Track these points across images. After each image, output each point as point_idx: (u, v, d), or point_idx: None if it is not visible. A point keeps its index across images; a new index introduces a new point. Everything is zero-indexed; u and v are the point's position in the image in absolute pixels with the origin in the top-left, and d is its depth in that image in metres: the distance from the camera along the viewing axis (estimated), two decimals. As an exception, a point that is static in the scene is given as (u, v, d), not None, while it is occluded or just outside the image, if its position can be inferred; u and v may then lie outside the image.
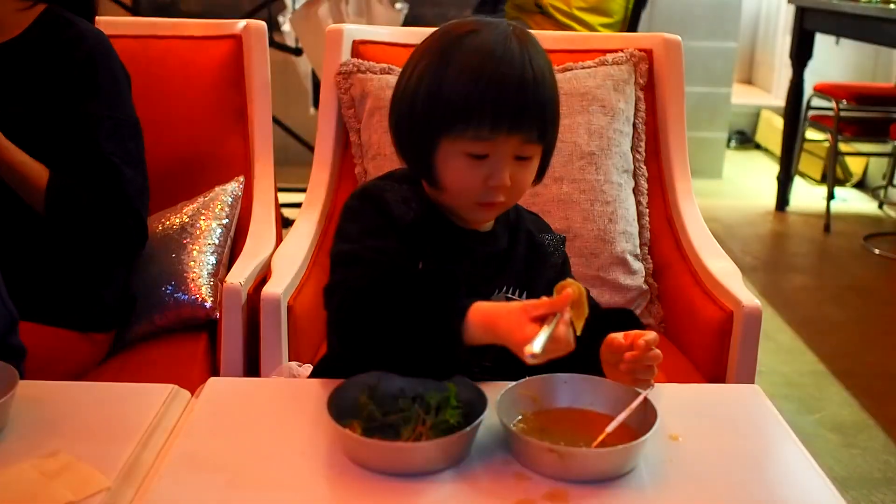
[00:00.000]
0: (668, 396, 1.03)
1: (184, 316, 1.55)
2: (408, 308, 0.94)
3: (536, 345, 0.83)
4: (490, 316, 0.90)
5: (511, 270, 1.12)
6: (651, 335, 0.97)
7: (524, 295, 1.10)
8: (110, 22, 1.77)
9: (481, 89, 0.99)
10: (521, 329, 0.86)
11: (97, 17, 1.56)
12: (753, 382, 1.40)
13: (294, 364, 1.28)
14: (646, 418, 0.91)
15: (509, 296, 1.10)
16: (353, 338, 0.98)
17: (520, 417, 0.94)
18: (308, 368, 1.21)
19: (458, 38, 1.02)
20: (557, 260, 1.17)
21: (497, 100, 0.99)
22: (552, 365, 1.01)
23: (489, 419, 0.90)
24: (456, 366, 0.94)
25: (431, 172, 1.05)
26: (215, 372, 1.49)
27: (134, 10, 4.10)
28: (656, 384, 1.03)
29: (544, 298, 0.89)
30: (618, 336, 0.99)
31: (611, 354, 0.99)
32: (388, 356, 0.96)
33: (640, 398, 0.93)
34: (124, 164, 1.44)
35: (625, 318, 1.08)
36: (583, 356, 1.01)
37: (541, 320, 0.87)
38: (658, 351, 0.97)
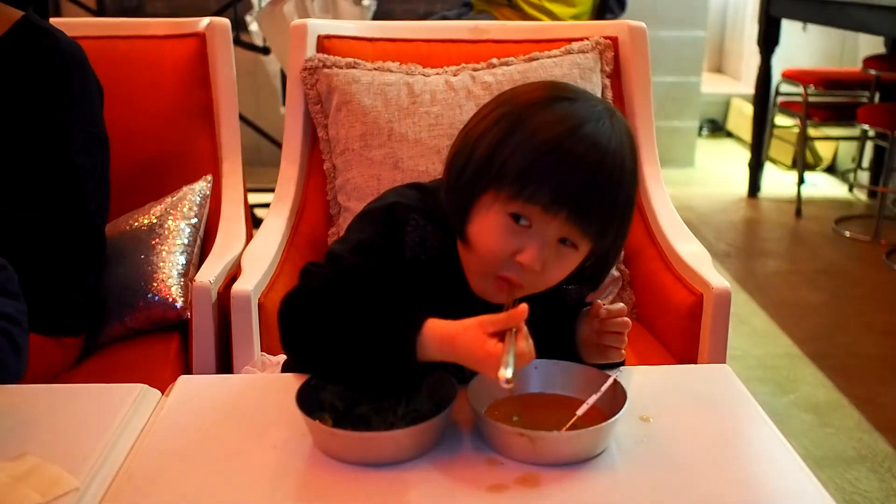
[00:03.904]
0: (639, 378, 1.03)
1: (155, 317, 1.54)
2: (359, 316, 0.89)
3: (509, 371, 0.80)
4: (447, 332, 0.86)
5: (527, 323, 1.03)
6: (618, 306, 1.00)
7: None
8: (72, 23, 1.76)
9: (553, 159, 0.87)
10: (482, 346, 0.84)
11: (58, 19, 1.55)
12: (724, 363, 1.41)
13: (265, 355, 1.27)
14: (616, 401, 0.91)
15: None
16: (295, 339, 0.93)
17: (491, 403, 0.94)
18: (281, 358, 1.20)
19: (543, 103, 0.91)
20: (574, 308, 1.07)
21: (565, 178, 0.87)
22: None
23: (460, 406, 0.91)
24: (408, 381, 0.90)
25: (465, 222, 0.94)
26: (188, 372, 1.48)
27: (98, 14, 4.06)
28: (628, 367, 1.04)
29: (500, 314, 0.85)
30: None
31: (585, 324, 1.02)
32: (333, 364, 0.91)
33: (610, 381, 0.93)
34: (90, 177, 1.43)
35: None
36: (556, 347, 1.01)
37: (499, 335, 0.84)
38: (627, 319, 1.00)
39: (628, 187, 0.92)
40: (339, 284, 0.93)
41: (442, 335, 0.87)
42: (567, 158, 0.87)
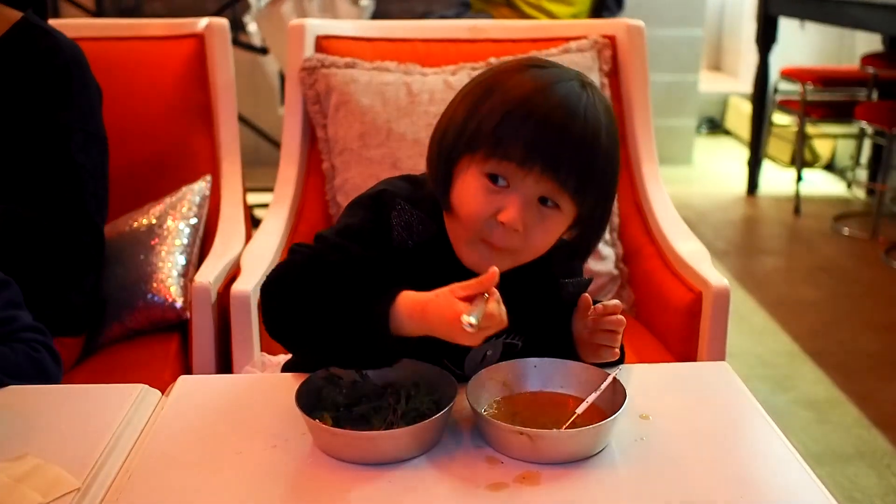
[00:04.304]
0: (638, 376, 1.04)
1: (154, 317, 1.54)
2: (337, 290, 0.89)
3: (473, 316, 0.81)
4: (419, 300, 0.87)
5: (522, 317, 0.99)
6: (613, 302, 0.98)
7: (521, 340, 1.04)
8: (71, 24, 1.76)
9: (523, 114, 0.89)
10: (451, 308, 0.83)
11: (57, 20, 1.55)
12: (724, 361, 1.41)
13: (265, 355, 1.27)
14: (615, 399, 0.91)
15: (508, 342, 1.03)
16: (275, 312, 0.94)
17: (491, 402, 0.94)
18: (281, 358, 1.20)
19: (516, 69, 0.94)
20: (571, 305, 1.05)
21: (537, 129, 0.89)
22: (524, 351, 1.02)
23: (460, 405, 0.91)
24: (383, 353, 0.91)
25: (448, 190, 0.95)
26: (188, 372, 1.49)
27: (97, 15, 4.06)
28: (627, 365, 1.05)
29: (471, 279, 0.85)
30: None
31: (579, 319, 1.01)
32: (310, 337, 0.92)
33: (610, 379, 0.93)
34: (90, 177, 1.43)
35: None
36: (556, 345, 1.01)
37: (469, 300, 0.84)
38: (621, 317, 0.98)
39: (606, 147, 0.92)
40: (321, 261, 0.93)
41: (414, 304, 0.87)
42: (537, 113, 0.89)
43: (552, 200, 0.92)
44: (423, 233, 0.98)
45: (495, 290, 0.85)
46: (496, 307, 0.84)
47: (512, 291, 0.96)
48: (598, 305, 0.99)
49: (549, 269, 1.03)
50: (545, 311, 1.04)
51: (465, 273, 0.92)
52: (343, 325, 0.89)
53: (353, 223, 0.98)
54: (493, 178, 0.91)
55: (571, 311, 1.05)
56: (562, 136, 0.89)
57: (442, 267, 0.96)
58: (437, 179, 0.97)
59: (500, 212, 0.91)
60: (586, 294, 1.01)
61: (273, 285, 0.94)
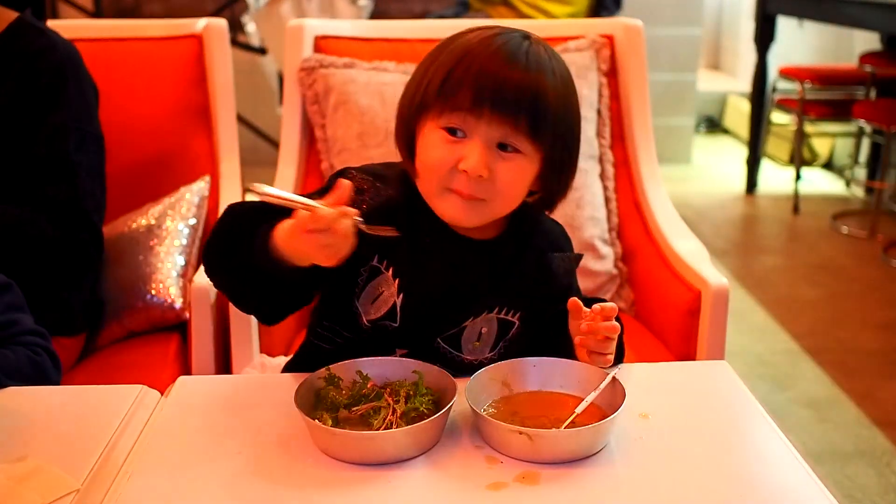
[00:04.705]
0: (637, 375, 1.04)
1: (154, 318, 1.54)
2: (250, 229, 0.93)
3: (268, 188, 0.83)
4: (285, 223, 0.88)
5: (509, 289, 1.03)
6: (609, 305, 0.96)
7: (517, 317, 1.04)
8: (70, 25, 1.76)
9: (467, 63, 0.93)
10: (296, 219, 0.86)
11: (56, 21, 1.55)
12: (723, 360, 1.41)
13: (265, 356, 1.27)
14: (615, 398, 0.91)
15: (502, 317, 1.04)
16: (207, 254, 0.99)
17: (490, 402, 0.94)
18: (280, 360, 1.21)
19: (462, 33, 0.98)
20: (564, 282, 1.07)
21: (480, 73, 0.92)
22: (522, 331, 1.03)
23: (459, 405, 0.91)
24: (279, 277, 0.92)
25: (413, 154, 0.99)
26: (187, 373, 1.49)
27: (96, 15, 4.06)
28: (626, 364, 1.05)
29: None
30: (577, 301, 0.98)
31: (574, 320, 0.99)
32: (229, 272, 0.96)
33: (609, 378, 0.93)
34: (87, 176, 1.43)
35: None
36: (557, 343, 1.01)
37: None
38: (615, 323, 0.96)
39: (555, 87, 0.95)
40: (241, 206, 0.98)
41: (282, 226, 0.88)
42: (478, 60, 0.93)
43: (511, 145, 0.95)
44: (377, 196, 1.00)
45: (348, 209, 0.86)
46: (334, 215, 0.84)
47: (500, 265, 1.01)
48: (596, 306, 0.97)
49: (536, 244, 1.06)
50: (537, 285, 1.05)
51: (454, 241, 1.00)
52: (244, 256, 0.92)
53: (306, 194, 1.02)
54: (451, 131, 0.95)
55: (563, 290, 1.06)
56: (504, 77, 0.92)
57: (406, 227, 0.98)
58: (403, 147, 1.01)
59: (461, 161, 0.94)
60: (575, 299, 0.99)
61: (212, 231, 0.99)
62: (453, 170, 0.95)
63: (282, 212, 0.88)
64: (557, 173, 1.00)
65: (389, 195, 1.01)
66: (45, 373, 1.14)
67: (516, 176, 0.96)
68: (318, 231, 0.84)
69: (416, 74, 0.99)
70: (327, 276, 0.94)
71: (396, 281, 1.01)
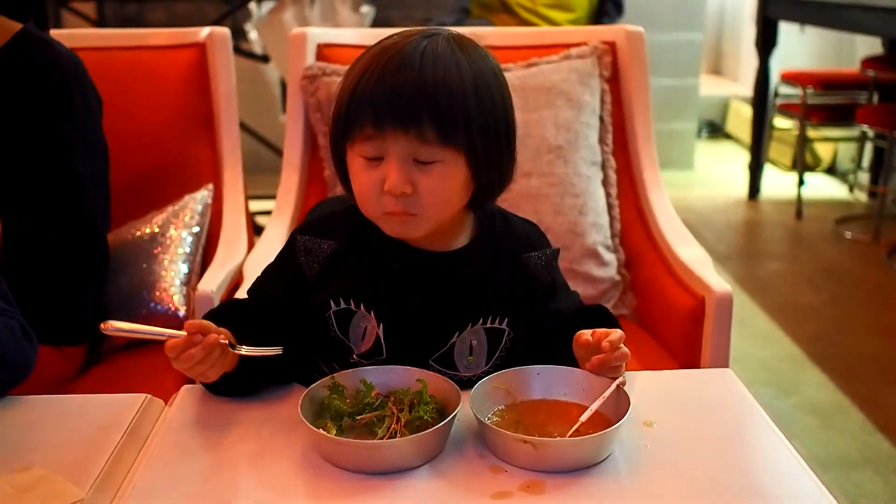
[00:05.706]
0: (642, 383, 1.03)
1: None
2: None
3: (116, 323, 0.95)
4: None
5: (488, 297, 1.02)
6: (617, 334, 0.94)
7: (505, 322, 1.03)
8: (73, 34, 1.76)
9: (363, 83, 0.92)
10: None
11: (59, 31, 1.55)
12: (727, 367, 1.41)
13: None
14: (619, 406, 0.91)
15: (489, 326, 1.02)
16: None
17: (494, 410, 0.94)
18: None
19: (377, 44, 0.96)
20: (546, 278, 1.07)
21: (377, 91, 0.91)
22: (527, 359, 1.02)
23: (463, 413, 0.91)
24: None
25: (348, 185, 1.00)
26: (191, 381, 1.48)
27: (99, 24, 4.07)
28: (630, 372, 1.04)
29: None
30: (585, 333, 0.96)
31: (580, 349, 0.97)
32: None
33: (613, 387, 0.93)
34: (93, 187, 1.44)
35: (598, 316, 1.06)
36: (559, 356, 1.01)
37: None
38: (625, 349, 0.95)
39: (460, 83, 0.92)
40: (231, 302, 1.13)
41: None
42: (374, 76, 0.92)
43: (425, 158, 0.93)
44: (325, 250, 1.02)
45: (212, 333, 0.93)
46: (188, 343, 0.93)
47: (473, 274, 1.02)
48: (605, 343, 0.93)
49: (507, 248, 1.04)
50: (516, 288, 1.04)
51: (422, 259, 1.00)
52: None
53: (273, 266, 1.09)
54: (369, 158, 0.95)
55: (545, 289, 1.07)
56: (398, 87, 0.91)
57: (366, 262, 1.02)
58: (340, 178, 1.02)
59: (384, 182, 0.93)
60: (582, 332, 0.96)
61: None
62: (380, 193, 0.95)
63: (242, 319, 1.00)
64: (487, 166, 0.97)
65: (334, 245, 1.03)
66: (13, 334, 1.09)
67: (440, 185, 0.94)
68: (174, 358, 0.92)
69: (336, 101, 0.98)
70: (293, 340, 1.00)
71: (372, 313, 1.01)
